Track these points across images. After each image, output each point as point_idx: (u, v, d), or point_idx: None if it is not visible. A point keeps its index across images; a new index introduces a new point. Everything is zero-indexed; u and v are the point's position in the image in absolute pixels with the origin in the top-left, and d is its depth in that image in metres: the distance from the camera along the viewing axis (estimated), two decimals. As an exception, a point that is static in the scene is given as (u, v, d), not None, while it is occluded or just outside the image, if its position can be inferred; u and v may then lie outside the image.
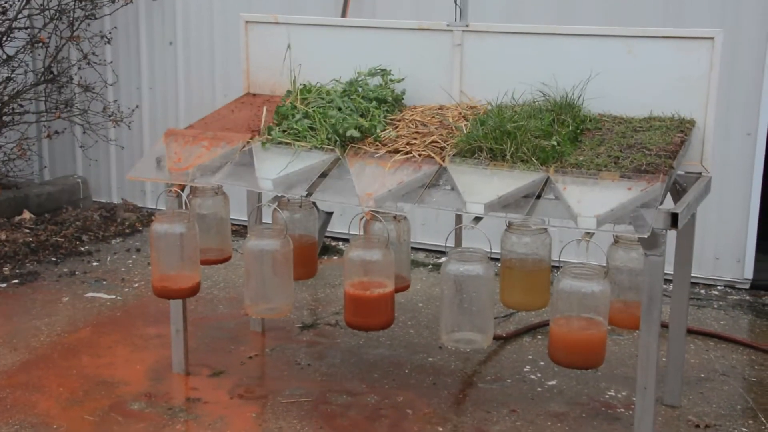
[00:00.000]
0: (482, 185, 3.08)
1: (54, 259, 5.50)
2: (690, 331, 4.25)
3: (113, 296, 4.94)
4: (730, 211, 5.00)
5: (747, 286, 5.08)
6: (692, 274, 3.74)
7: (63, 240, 5.77)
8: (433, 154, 3.25)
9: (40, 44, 6.10)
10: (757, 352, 4.28)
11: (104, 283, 5.14)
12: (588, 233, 2.93)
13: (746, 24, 4.77)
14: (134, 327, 4.52)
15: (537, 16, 5.09)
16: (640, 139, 3.23)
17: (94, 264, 5.45)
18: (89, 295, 4.96)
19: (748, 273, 5.07)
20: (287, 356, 4.20)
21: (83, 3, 6.03)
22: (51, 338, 4.37)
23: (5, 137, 6.18)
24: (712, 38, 3.37)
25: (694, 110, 3.43)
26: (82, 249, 5.69)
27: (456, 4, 3.79)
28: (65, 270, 5.32)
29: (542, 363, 4.11)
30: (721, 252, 5.08)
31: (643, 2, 4.94)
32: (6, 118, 6.02)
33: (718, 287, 5.11)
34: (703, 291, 5.07)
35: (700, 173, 3.47)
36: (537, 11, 5.14)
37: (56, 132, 6.35)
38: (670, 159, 3.07)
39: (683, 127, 3.35)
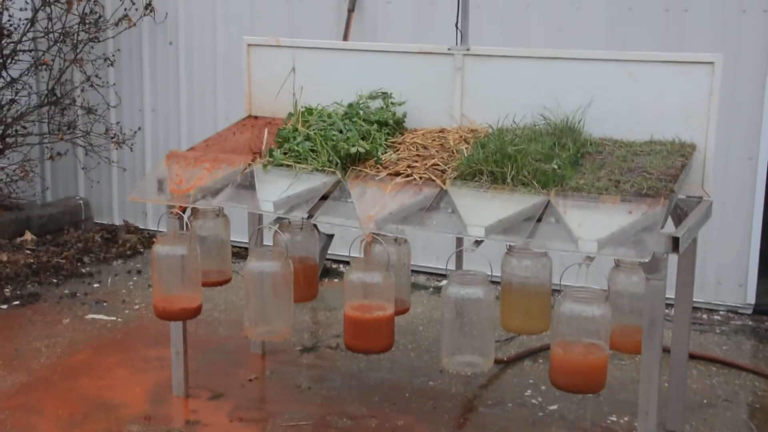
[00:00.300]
0: (483, 208, 3.09)
1: (55, 280, 5.49)
2: (692, 356, 4.23)
3: (114, 318, 4.93)
4: (732, 235, 4.99)
5: (749, 311, 5.06)
6: (694, 299, 3.73)
7: (64, 261, 5.77)
8: (434, 177, 3.26)
9: (44, 66, 6.13)
10: (760, 377, 4.26)
11: (105, 304, 5.13)
12: (589, 257, 2.92)
13: (747, 48, 4.78)
14: (134, 349, 4.51)
15: (538, 40, 5.11)
16: (641, 163, 3.23)
17: (95, 285, 5.45)
18: (90, 316, 4.95)
19: (751, 298, 5.05)
20: (287, 379, 4.18)
21: (87, 26, 6.07)
22: (51, 360, 4.36)
23: (8, 159, 6.20)
24: (713, 63, 3.38)
25: (695, 134, 3.43)
26: (84, 270, 5.69)
27: (457, 28, 3.81)
28: (66, 291, 5.31)
29: (543, 387, 4.09)
30: (723, 276, 5.07)
31: (644, 26, 4.96)
32: (9, 140, 6.04)
33: (720, 312, 5.09)
34: (705, 316, 5.05)
35: (701, 197, 3.46)
36: (538, 35, 5.16)
37: (59, 154, 6.37)
38: (671, 183, 3.07)
39: (684, 151, 3.35)
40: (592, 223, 2.94)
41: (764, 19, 4.73)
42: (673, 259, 3.08)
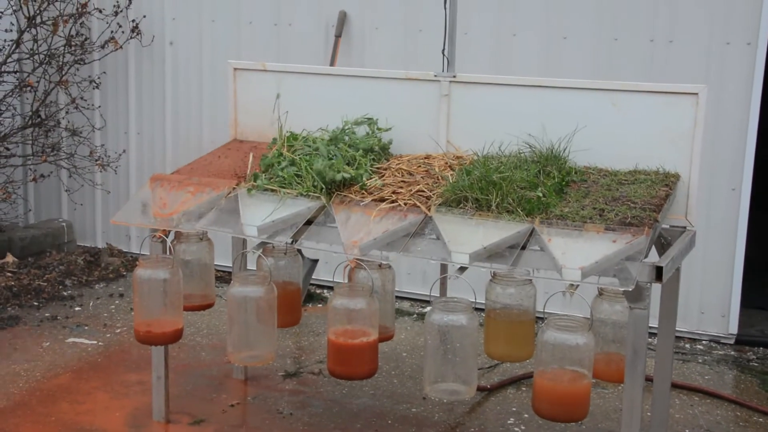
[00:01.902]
0: (467, 235, 3.08)
1: (36, 303, 5.44)
2: (675, 386, 4.23)
3: (95, 342, 4.88)
4: (714, 265, 5.01)
5: (732, 341, 5.08)
6: (677, 328, 3.73)
7: (46, 284, 5.72)
8: (418, 203, 3.26)
9: (29, 88, 6.12)
10: (742, 408, 4.26)
11: (86, 328, 5.09)
12: (573, 285, 2.92)
13: (730, 79, 4.83)
14: (115, 373, 4.47)
15: (524, 68, 5.14)
16: (625, 192, 3.24)
17: (77, 309, 5.40)
18: (70, 340, 4.90)
19: (733, 328, 5.06)
20: (269, 405, 4.15)
21: (73, 48, 6.06)
22: (30, 384, 4.31)
23: (-9, 180, 6.17)
24: (697, 93, 3.40)
25: (679, 164, 3.45)
26: (65, 293, 5.64)
27: (444, 55, 3.82)
28: (47, 315, 5.26)
29: (526, 415, 4.07)
30: (706, 306, 5.08)
31: (629, 56, 5.00)
32: (-8, 161, 6.01)
33: (703, 341, 5.10)
34: (687, 345, 5.05)
35: (685, 227, 3.48)
36: (524, 63, 5.19)
37: (42, 176, 6.34)
38: (655, 212, 3.08)
39: (668, 181, 3.37)
40: (576, 252, 2.94)
41: (747, 51, 4.78)
42: (656, 288, 3.08)
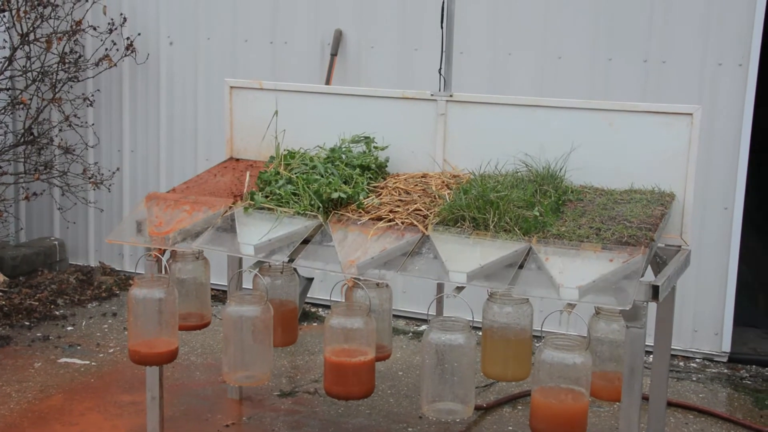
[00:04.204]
0: (465, 254, 3.09)
1: (27, 323, 5.41)
2: (670, 404, 4.23)
3: (87, 362, 4.86)
4: (708, 283, 5.03)
5: (725, 359, 5.09)
6: (671, 346, 3.74)
7: (37, 303, 5.69)
8: (416, 222, 3.26)
9: (21, 105, 6.11)
10: (736, 426, 4.27)
11: (79, 348, 5.06)
12: (570, 304, 2.93)
13: (722, 100, 4.87)
14: (108, 394, 4.44)
15: (520, 87, 5.16)
16: (622, 211, 3.26)
17: (69, 328, 5.37)
18: (63, 360, 4.87)
19: (726, 346, 5.08)
20: (264, 425, 4.13)
21: (66, 65, 6.06)
22: (21, 405, 4.28)
23: (-17, 198, 6.14)
24: (691, 114, 3.43)
25: (674, 184, 3.47)
26: (57, 313, 5.61)
27: (440, 74, 3.84)
28: (39, 334, 5.23)
29: (522, 435, 4.07)
30: (700, 324, 5.10)
31: (623, 77, 5.04)
32: (-16, 179, 5.99)
33: (697, 360, 5.11)
34: (681, 363, 5.06)
35: (680, 246, 3.49)
36: (520, 83, 5.22)
37: (34, 194, 6.31)
38: (651, 231, 3.09)
39: (663, 200, 3.39)
40: (573, 271, 2.94)
41: (739, 72, 4.81)
42: (651, 306, 3.09)
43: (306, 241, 3.34)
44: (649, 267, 3.36)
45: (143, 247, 3.66)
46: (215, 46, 5.99)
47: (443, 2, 3.82)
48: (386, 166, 3.80)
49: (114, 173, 6.34)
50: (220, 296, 5.65)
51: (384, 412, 4.29)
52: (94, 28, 6.12)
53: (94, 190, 6.36)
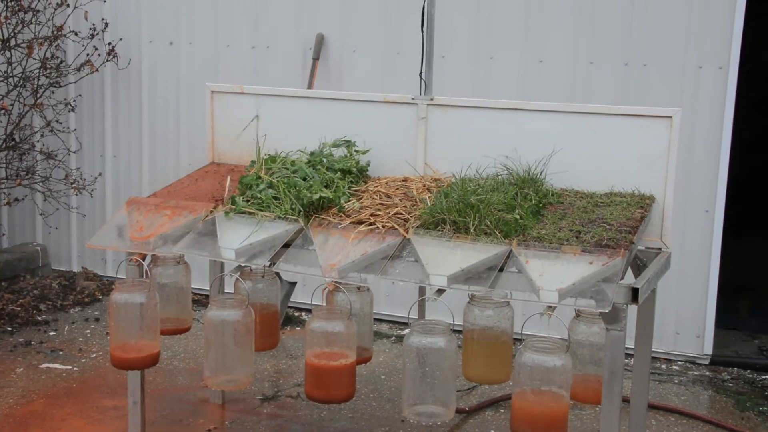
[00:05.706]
0: (445, 257, 3.09)
1: (9, 328, 5.38)
2: (651, 407, 4.24)
3: (69, 367, 4.83)
4: (689, 286, 5.05)
5: (707, 362, 5.11)
6: (653, 349, 3.75)
7: (19, 309, 5.66)
8: (396, 226, 3.26)
9: (3, 111, 6.07)
10: (718, 428, 4.28)
11: (61, 353, 5.04)
12: (550, 307, 2.94)
13: (703, 103, 4.90)
14: (90, 399, 4.42)
15: (501, 91, 5.18)
16: (602, 214, 3.27)
17: (51, 334, 5.34)
18: (45, 365, 4.85)
19: (708, 349, 5.10)
20: (247, 429, 4.12)
21: (48, 71, 6.04)
22: (2, 410, 4.25)
23: (-36, 203, 6.11)
24: (671, 117, 3.45)
25: (654, 186, 3.49)
26: (39, 318, 5.58)
27: (421, 78, 3.85)
28: (21, 340, 5.20)
29: (505, 438, 4.08)
30: (681, 327, 5.12)
31: (604, 80, 5.06)
32: (-35, 184, 5.96)
33: (679, 362, 5.13)
34: (663, 366, 5.08)
35: (660, 249, 3.51)
36: (501, 87, 5.24)
37: (16, 199, 6.28)
38: (631, 234, 3.10)
39: (643, 203, 3.40)
40: (554, 273, 2.95)
41: (720, 76, 4.85)
42: (632, 309, 3.10)
43: (287, 245, 3.34)
44: (630, 269, 3.37)
45: (125, 252, 3.65)
46: (197, 51, 5.98)
47: (423, 6, 3.84)
48: (367, 169, 3.80)
49: (96, 178, 6.32)
50: (202, 301, 5.63)
51: (366, 415, 4.29)
52: (76, 34, 6.10)
53: (76, 195, 6.34)
